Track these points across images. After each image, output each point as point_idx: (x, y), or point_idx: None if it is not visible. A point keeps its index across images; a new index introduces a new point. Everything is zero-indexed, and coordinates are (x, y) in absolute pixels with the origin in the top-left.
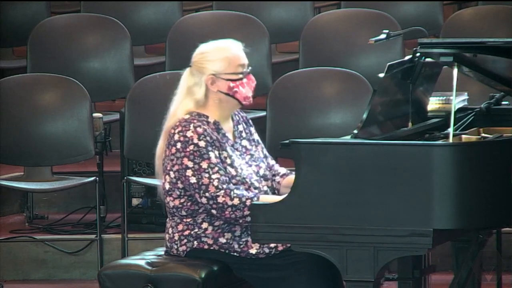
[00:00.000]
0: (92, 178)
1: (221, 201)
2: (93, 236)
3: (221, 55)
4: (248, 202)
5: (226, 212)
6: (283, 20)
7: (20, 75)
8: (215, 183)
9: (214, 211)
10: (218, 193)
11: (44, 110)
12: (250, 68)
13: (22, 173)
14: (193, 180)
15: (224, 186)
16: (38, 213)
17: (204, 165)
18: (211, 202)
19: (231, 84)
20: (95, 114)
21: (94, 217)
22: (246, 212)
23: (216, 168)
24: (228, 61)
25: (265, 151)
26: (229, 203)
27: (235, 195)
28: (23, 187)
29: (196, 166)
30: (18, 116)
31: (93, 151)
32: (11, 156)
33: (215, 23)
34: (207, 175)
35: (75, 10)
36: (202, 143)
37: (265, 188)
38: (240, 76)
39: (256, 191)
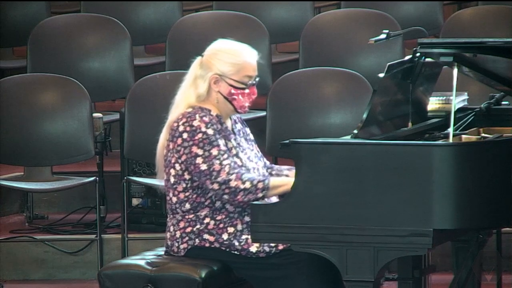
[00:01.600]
0: (92, 178)
1: (233, 185)
2: (93, 236)
3: (234, 60)
4: (260, 185)
5: (239, 196)
6: (283, 20)
7: (20, 75)
8: (227, 168)
9: (226, 196)
10: (230, 177)
11: (44, 110)
12: (256, 79)
13: (22, 173)
14: (203, 167)
15: (236, 171)
16: (38, 213)
17: (215, 152)
18: (223, 187)
19: (233, 91)
20: (95, 114)
21: (94, 217)
22: (260, 194)
23: (226, 155)
24: (238, 68)
25: (260, 153)
26: (241, 186)
27: (246, 178)
28: (23, 187)
29: (207, 153)
30: (18, 116)
31: (93, 151)
32: (11, 156)
33: (215, 23)
34: (218, 161)
35: (75, 10)
36: (210, 131)
37: None
38: (244, 86)
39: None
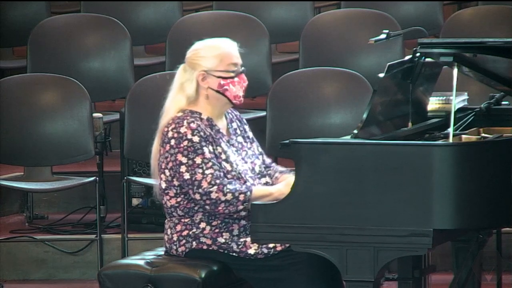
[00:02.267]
0: (92, 178)
1: (214, 197)
2: (93, 236)
3: (214, 52)
4: (241, 197)
5: (220, 208)
6: (283, 20)
7: (20, 75)
8: (208, 178)
9: (207, 207)
10: (211, 189)
11: (44, 110)
12: (243, 68)
13: (22, 173)
14: (186, 176)
15: (218, 182)
16: (38, 213)
17: (198, 160)
18: (204, 197)
19: (222, 82)
20: (95, 114)
21: (94, 217)
22: (240, 207)
23: (210, 164)
24: (220, 59)
25: (260, 149)
26: (222, 198)
27: (228, 190)
28: (23, 187)
29: (190, 162)
30: (18, 116)
31: (93, 151)
32: (11, 156)
33: (215, 23)
34: (200, 170)
35: (75, 10)
36: (196, 138)
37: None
38: (232, 74)
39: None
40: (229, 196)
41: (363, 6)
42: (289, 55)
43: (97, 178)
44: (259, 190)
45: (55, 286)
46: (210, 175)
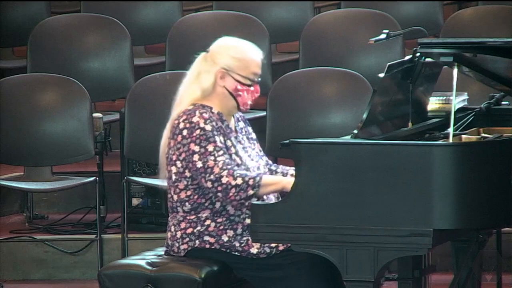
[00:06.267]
0: (92, 178)
1: (225, 182)
2: (93, 236)
3: (241, 56)
4: (251, 182)
5: (231, 194)
6: (283, 20)
7: (20, 75)
8: (220, 164)
9: (220, 194)
10: (222, 173)
11: (44, 110)
12: (259, 79)
13: (22, 173)
14: (199, 164)
15: (228, 167)
16: (38, 213)
17: (210, 148)
18: (216, 184)
19: (238, 86)
20: (95, 114)
21: (94, 217)
22: (250, 192)
23: (222, 151)
24: (246, 64)
25: (261, 152)
26: (233, 183)
27: (238, 174)
28: (23, 187)
29: (202, 150)
30: (18, 116)
31: (93, 151)
32: (11, 156)
33: (215, 23)
34: (212, 157)
35: (75, 10)
36: (208, 127)
37: None
38: (250, 83)
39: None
40: (239, 180)
41: (363, 6)
42: (289, 55)
43: (97, 178)
44: (269, 177)
45: (55, 286)
46: (221, 162)
